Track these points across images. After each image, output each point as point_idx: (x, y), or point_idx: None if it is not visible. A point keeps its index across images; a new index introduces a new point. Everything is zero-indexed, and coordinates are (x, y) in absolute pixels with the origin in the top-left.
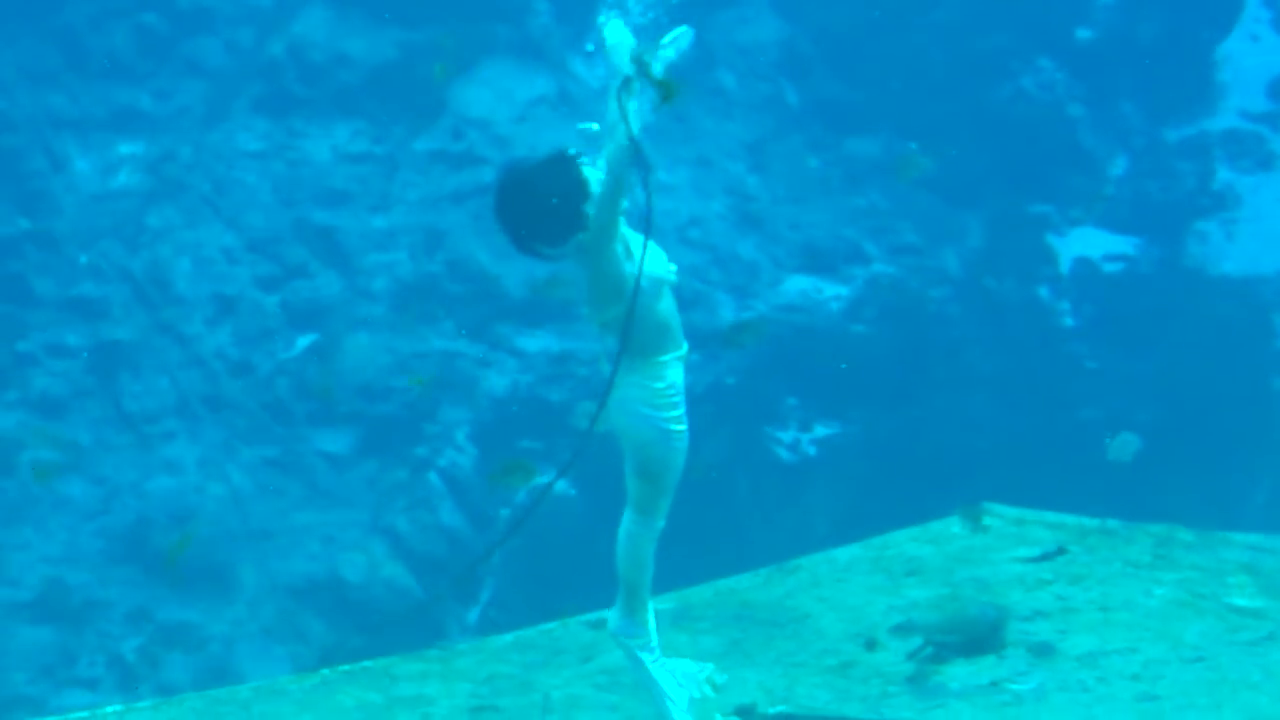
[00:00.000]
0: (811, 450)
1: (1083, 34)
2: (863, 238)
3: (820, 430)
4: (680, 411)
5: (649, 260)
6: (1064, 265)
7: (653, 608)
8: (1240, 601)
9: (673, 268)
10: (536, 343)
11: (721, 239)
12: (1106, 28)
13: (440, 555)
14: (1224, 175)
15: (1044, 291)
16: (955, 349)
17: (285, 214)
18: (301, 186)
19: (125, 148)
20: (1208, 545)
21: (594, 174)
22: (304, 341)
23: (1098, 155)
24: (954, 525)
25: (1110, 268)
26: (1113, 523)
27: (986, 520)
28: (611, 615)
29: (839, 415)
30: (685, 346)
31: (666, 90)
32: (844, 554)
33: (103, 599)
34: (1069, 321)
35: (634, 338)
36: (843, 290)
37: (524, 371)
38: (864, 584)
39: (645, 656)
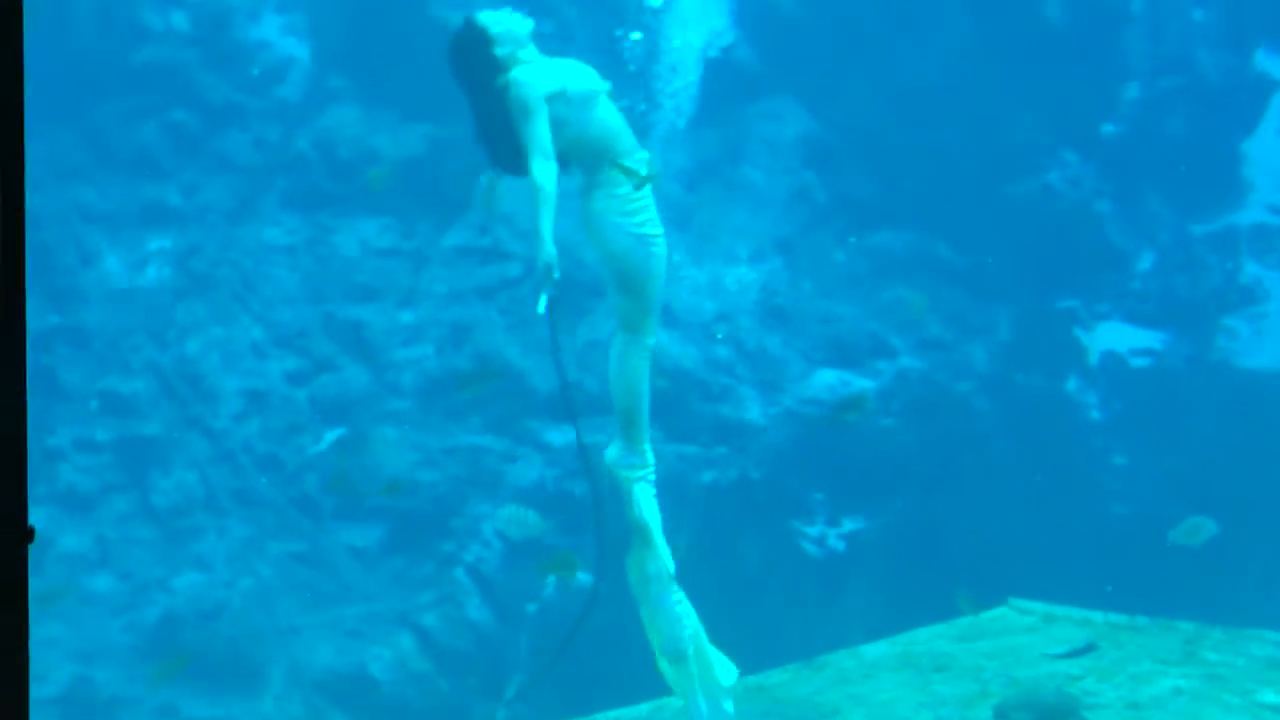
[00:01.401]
0: (839, 545)
1: (1109, 129)
2: (890, 332)
3: (848, 525)
4: (650, 215)
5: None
6: (1092, 359)
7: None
8: (1270, 698)
9: (599, 79)
10: (563, 436)
11: (748, 334)
12: (1133, 123)
13: (468, 650)
14: (1251, 270)
15: (1072, 385)
16: (983, 443)
17: (314, 309)
18: (330, 281)
19: (154, 243)
20: (1237, 641)
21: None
22: (331, 436)
23: (1125, 250)
24: (981, 621)
25: (1138, 362)
26: (1141, 619)
27: (1017, 615)
28: (610, 447)
29: (867, 510)
30: (645, 153)
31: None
32: (872, 650)
33: (130, 695)
34: (1096, 415)
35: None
36: (870, 384)
37: (550, 465)
38: (893, 680)
39: (642, 489)
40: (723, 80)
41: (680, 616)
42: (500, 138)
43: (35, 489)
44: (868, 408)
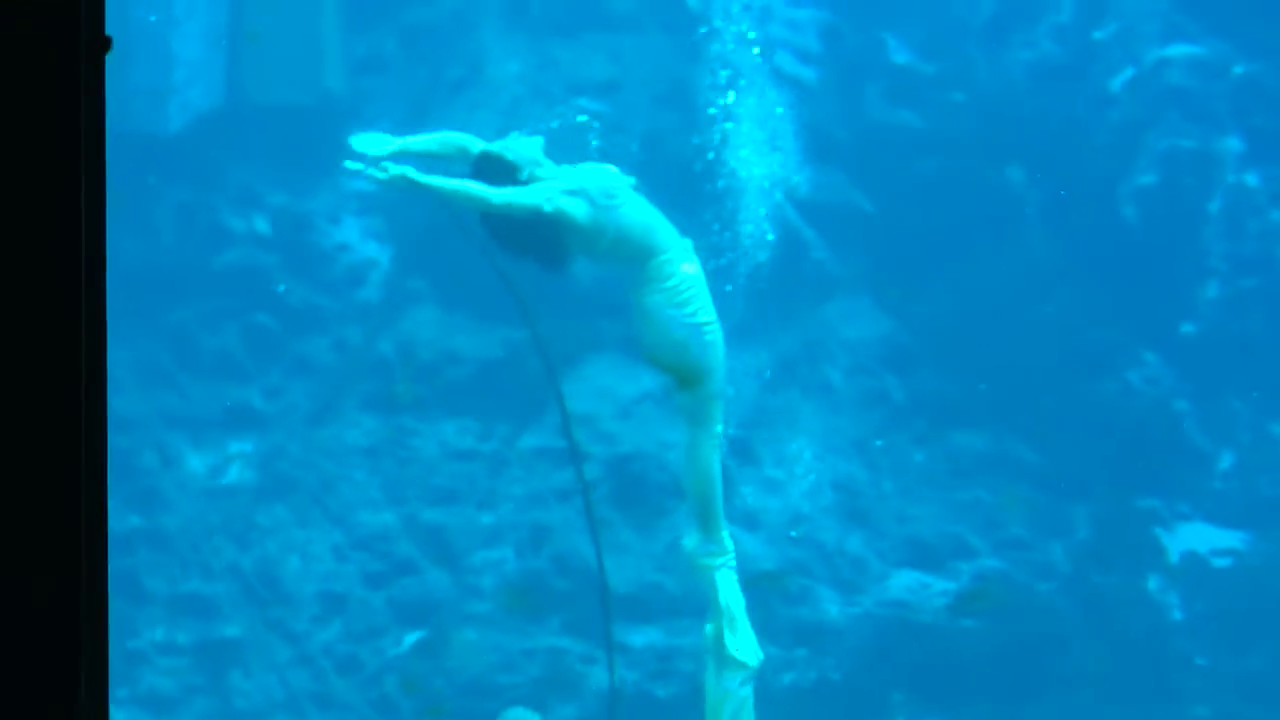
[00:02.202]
0: None
1: (1187, 328)
2: (969, 532)
3: None
4: (703, 303)
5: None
6: (1172, 559)
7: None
8: None
9: (620, 175)
10: (643, 638)
11: (828, 534)
12: (1212, 322)
13: None
14: None
15: (1152, 585)
16: (1063, 644)
17: (393, 511)
18: (410, 484)
19: (235, 445)
20: None
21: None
22: (411, 639)
23: (1205, 449)
24: None
25: (1219, 562)
26: None
27: None
28: (687, 538)
29: (947, 711)
30: (687, 241)
31: None
32: None
33: None
34: (1178, 616)
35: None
36: (950, 585)
37: (630, 667)
38: None
39: (724, 576)
40: (801, 281)
41: (750, 711)
42: (530, 247)
43: (117, 691)
44: (994, 598)
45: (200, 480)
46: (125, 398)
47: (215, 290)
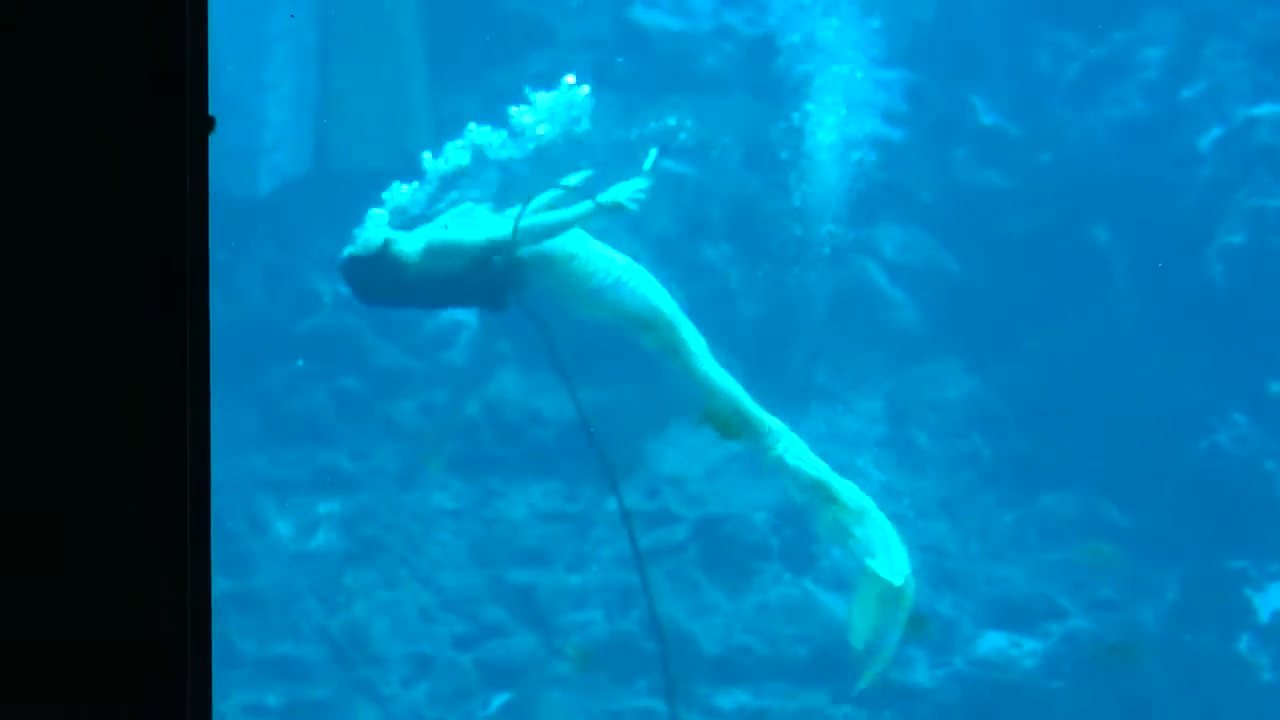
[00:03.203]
0: None
1: (1276, 388)
2: (1059, 593)
3: None
4: (603, 261)
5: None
6: (1263, 619)
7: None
8: None
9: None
10: (732, 699)
11: (917, 596)
12: None
13: None
14: None
15: (1243, 646)
16: (1153, 704)
17: (481, 573)
18: (497, 545)
19: (323, 508)
20: None
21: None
22: (499, 700)
23: None
24: None
25: None
26: None
27: None
28: (743, 446)
29: None
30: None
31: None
32: None
33: None
34: (1268, 677)
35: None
36: (1039, 646)
37: None
38: None
39: (790, 455)
40: (889, 343)
41: (895, 538)
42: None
43: None
44: (1135, 654)
45: (288, 543)
46: (214, 461)
47: (302, 354)
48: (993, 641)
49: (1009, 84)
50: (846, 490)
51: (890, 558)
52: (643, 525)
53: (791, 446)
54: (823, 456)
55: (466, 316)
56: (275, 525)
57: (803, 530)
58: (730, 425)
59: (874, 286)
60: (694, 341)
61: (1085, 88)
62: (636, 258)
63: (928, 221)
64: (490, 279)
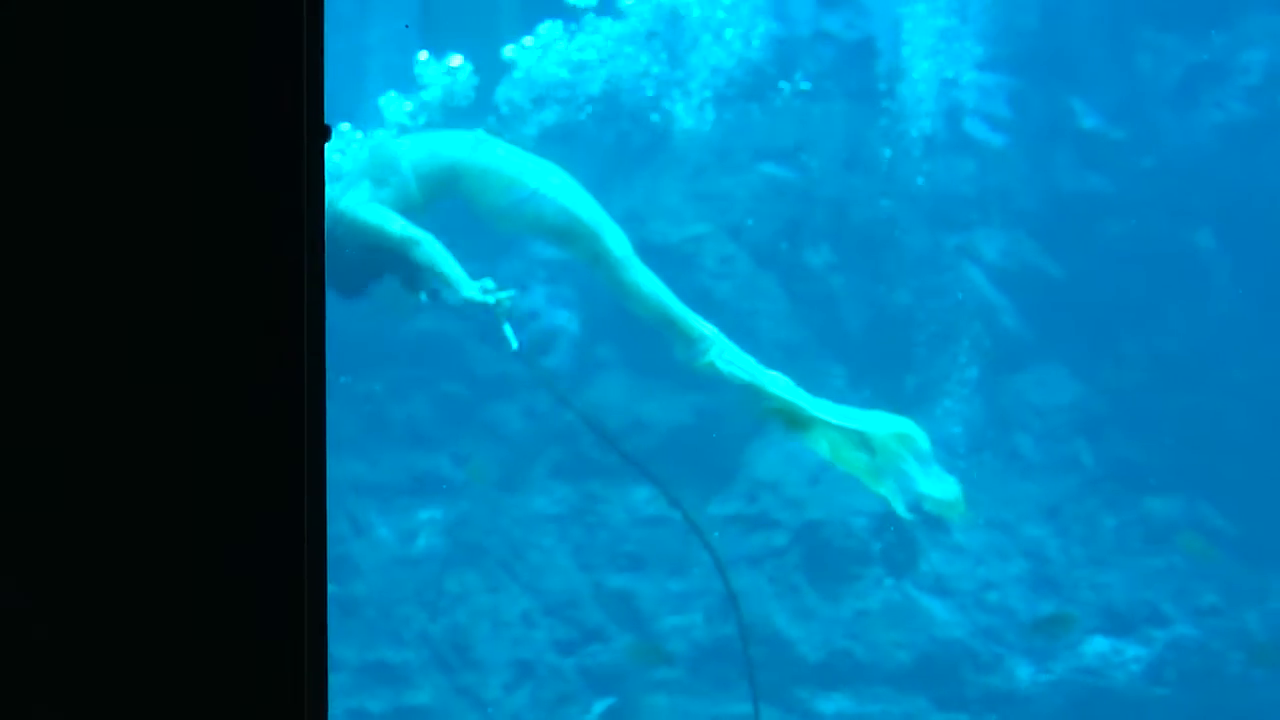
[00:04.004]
0: None
1: None
2: (1162, 599)
3: None
4: (523, 175)
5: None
6: None
7: None
8: None
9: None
10: (833, 705)
11: (1019, 602)
12: None
13: None
14: None
15: None
16: (1259, 713)
17: (582, 578)
18: (598, 550)
19: (425, 513)
20: None
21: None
22: (601, 706)
23: None
24: None
25: None
26: None
27: None
28: (676, 352)
29: None
30: (480, 135)
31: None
32: None
33: None
34: None
35: None
36: (1143, 652)
37: None
38: None
39: (722, 362)
40: (993, 349)
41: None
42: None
43: None
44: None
45: (390, 548)
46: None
47: (404, 359)
48: (1096, 647)
49: (1110, 88)
50: (781, 388)
51: (847, 418)
52: (743, 530)
53: (724, 352)
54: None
55: (568, 321)
56: (377, 529)
57: (904, 534)
58: (663, 326)
59: (977, 291)
60: (619, 248)
61: (1186, 91)
62: (735, 260)
63: (1030, 226)
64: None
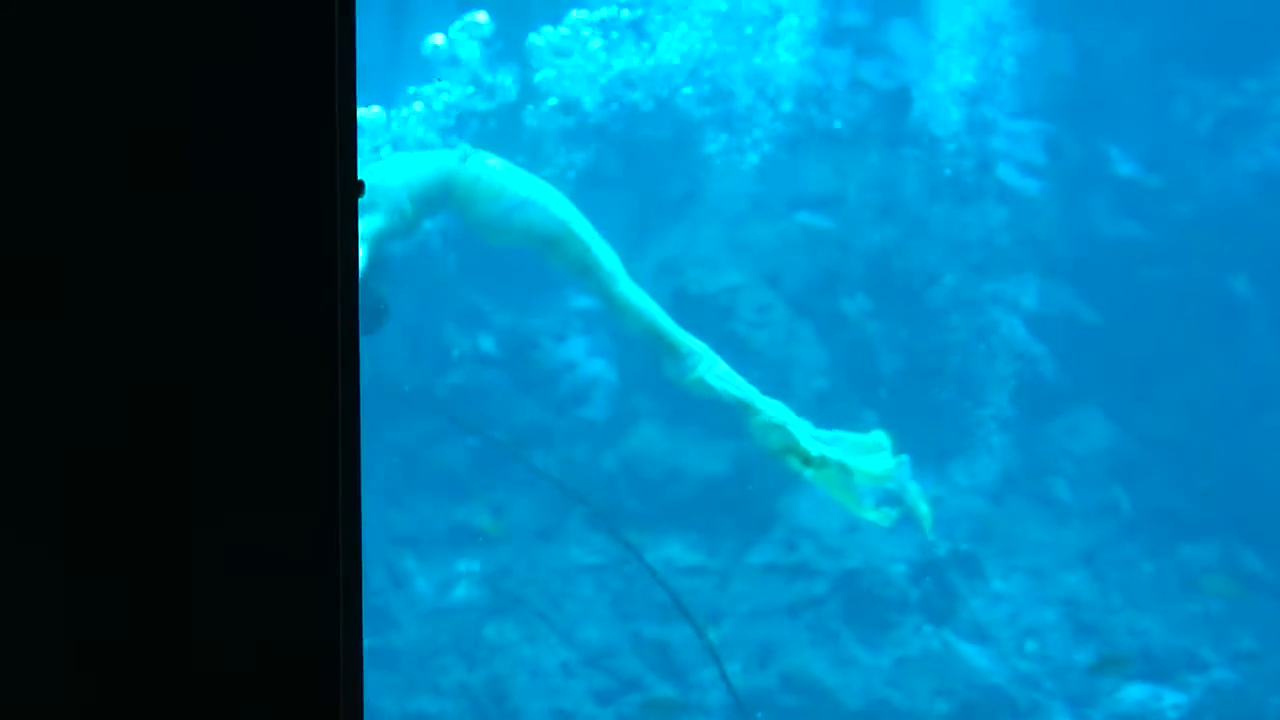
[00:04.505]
0: None
1: None
2: (1200, 644)
3: None
4: (515, 186)
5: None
6: None
7: None
8: None
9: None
10: None
11: (1057, 649)
12: None
13: None
14: None
15: None
16: None
17: (621, 628)
18: (636, 600)
19: (463, 564)
20: None
21: None
22: None
23: None
24: None
25: None
26: None
27: None
28: (665, 369)
29: None
30: (466, 150)
31: None
32: None
33: None
34: None
35: None
36: (1181, 698)
37: None
38: None
39: (711, 376)
40: (1028, 394)
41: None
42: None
43: None
44: None
45: (428, 599)
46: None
47: (442, 410)
48: (1134, 694)
49: (1145, 134)
50: (770, 406)
51: (828, 443)
52: (782, 579)
53: (713, 368)
54: (964, 509)
55: (605, 371)
56: (415, 580)
57: (942, 582)
58: (651, 340)
59: (1012, 338)
60: (608, 261)
61: (1221, 137)
62: (772, 309)
63: (1066, 272)
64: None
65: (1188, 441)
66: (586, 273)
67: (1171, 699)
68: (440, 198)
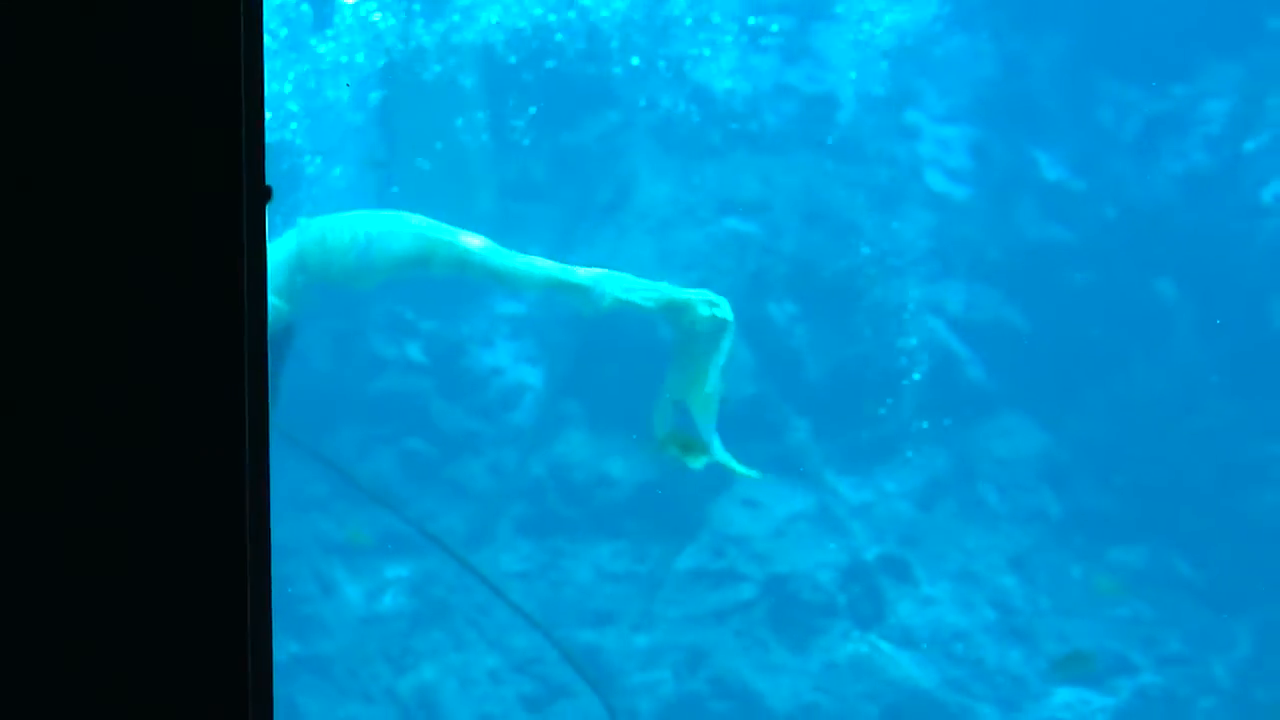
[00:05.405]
0: None
1: None
2: (1129, 648)
3: None
4: (352, 227)
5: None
6: None
7: None
8: None
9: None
10: None
11: (986, 651)
12: None
13: None
14: None
15: None
16: None
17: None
18: (565, 606)
19: (391, 571)
20: None
21: None
22: None
23: None
24: None
25: None
26: None
27: None
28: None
29: None
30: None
31: None
32: None
33: None
34: None
35: None
36: (1109, 701)
37: None
38: None
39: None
40: (956, 399)
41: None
42: None
43: None
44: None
45: (357, 607)
46: (284, 526)
47: (369, 417)
48: (1063, 698)
49: (1072, 139)
50: (690, 293)
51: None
52: (709, 585)
53: (619, 283)
54: (892, 514)
55: (532, 377)
56: (344, 588)
57: (870, 587)
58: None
59: (940, 342)
60: (475, 247)
61: (1148, 141)
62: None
63: (993, 277)
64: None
65: (1116, 445)
66: (465, 265)
67: (1099, 702)
68: (296, 271)
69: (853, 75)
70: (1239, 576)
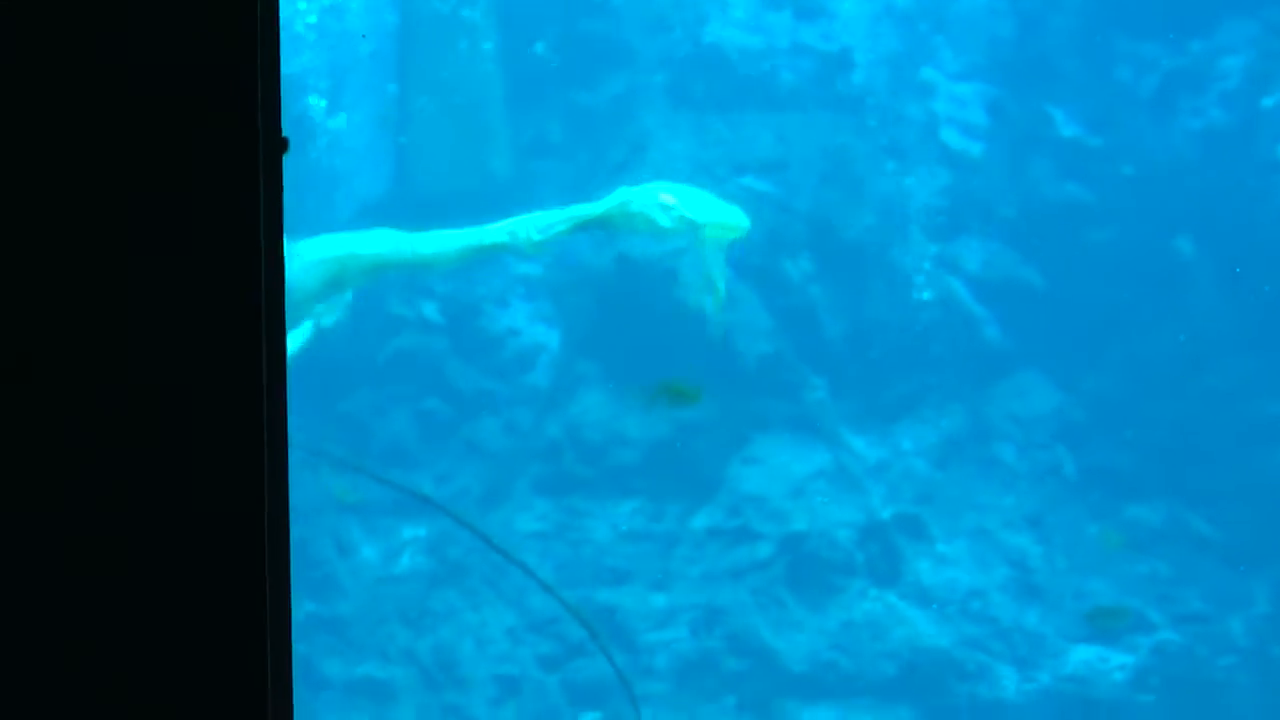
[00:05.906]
0: None
1: None
2: (1147, 605)
3: None
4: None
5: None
6: None
7: None
8: None
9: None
10: (818, 716)
11: (1003, 610)
12: None
13: None
14: None
15: None
16: (1243, 718)
17: (567, 593)
18: (582, 566)
19: (408, 531)
20: None
21: None
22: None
23: None
24: None
25: None
26: None
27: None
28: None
29: None
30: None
31: None
32: None
33: None
34: None
35: None
36: (1128, 659)
37: None
38: None
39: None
40: (972, 358)
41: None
42: None
43: None
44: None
45: (374, 567)
46: (300, 489)
47: (384, 378)
48: (1081, 655)
49: (1088, 96)
50: (608, 202)
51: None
52: (726, 544)
53: (536, 224)
54: (908, 472)
55: (548, 337)
56: (361, 549)
57: (887, 546)
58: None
59: (957, 301)
60: (385, 243)
61: (1165, 98)
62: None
63: (1009, 235)
64: None
65: (1133, 403)
66: (380, 269)
67: (1118, 660)
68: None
69: (867, 32)
70: (1257, 534)
